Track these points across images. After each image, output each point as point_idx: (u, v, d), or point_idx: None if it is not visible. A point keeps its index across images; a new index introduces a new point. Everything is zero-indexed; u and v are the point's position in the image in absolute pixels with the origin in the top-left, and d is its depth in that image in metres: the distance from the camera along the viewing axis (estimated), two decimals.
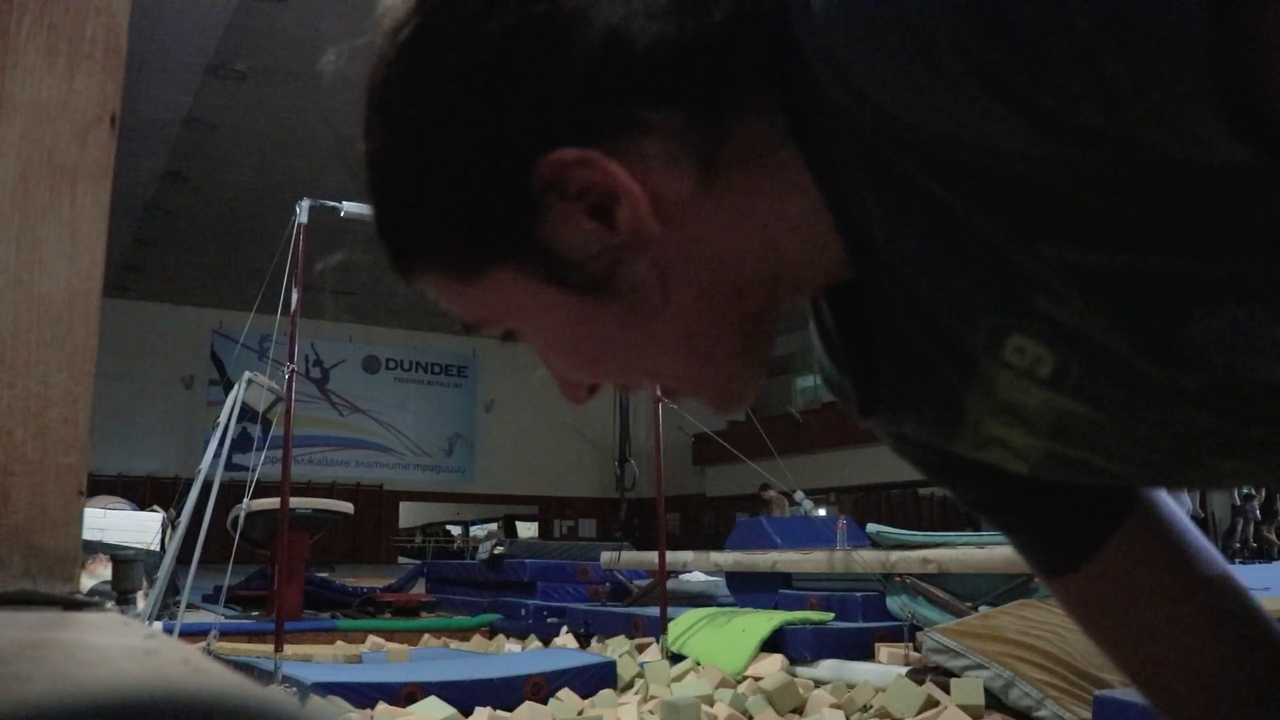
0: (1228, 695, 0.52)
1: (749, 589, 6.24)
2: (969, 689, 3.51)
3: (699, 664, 4.65)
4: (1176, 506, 0.54)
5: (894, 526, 5.59)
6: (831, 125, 0.38)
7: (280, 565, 5.35)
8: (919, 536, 5.47)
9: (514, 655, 5.43)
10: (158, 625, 4.49)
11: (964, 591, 4.86)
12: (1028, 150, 0.33)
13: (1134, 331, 0.36)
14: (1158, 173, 0.32)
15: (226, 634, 5.23)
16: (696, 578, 7.76)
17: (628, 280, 0.42)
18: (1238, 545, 12.58)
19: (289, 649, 4.74)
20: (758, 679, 4.28)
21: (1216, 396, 0.37)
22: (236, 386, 5.00)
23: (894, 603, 5.11)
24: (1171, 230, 0.33)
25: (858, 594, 5.29)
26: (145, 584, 4.36)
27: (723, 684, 4.24)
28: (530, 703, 3.95)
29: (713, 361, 0.45)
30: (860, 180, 0.39)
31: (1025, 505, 0.53)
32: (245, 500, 5.12)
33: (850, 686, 4.11)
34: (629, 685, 4.48)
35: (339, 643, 5.97)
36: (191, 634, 4.69)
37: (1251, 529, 12.60)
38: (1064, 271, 0.35)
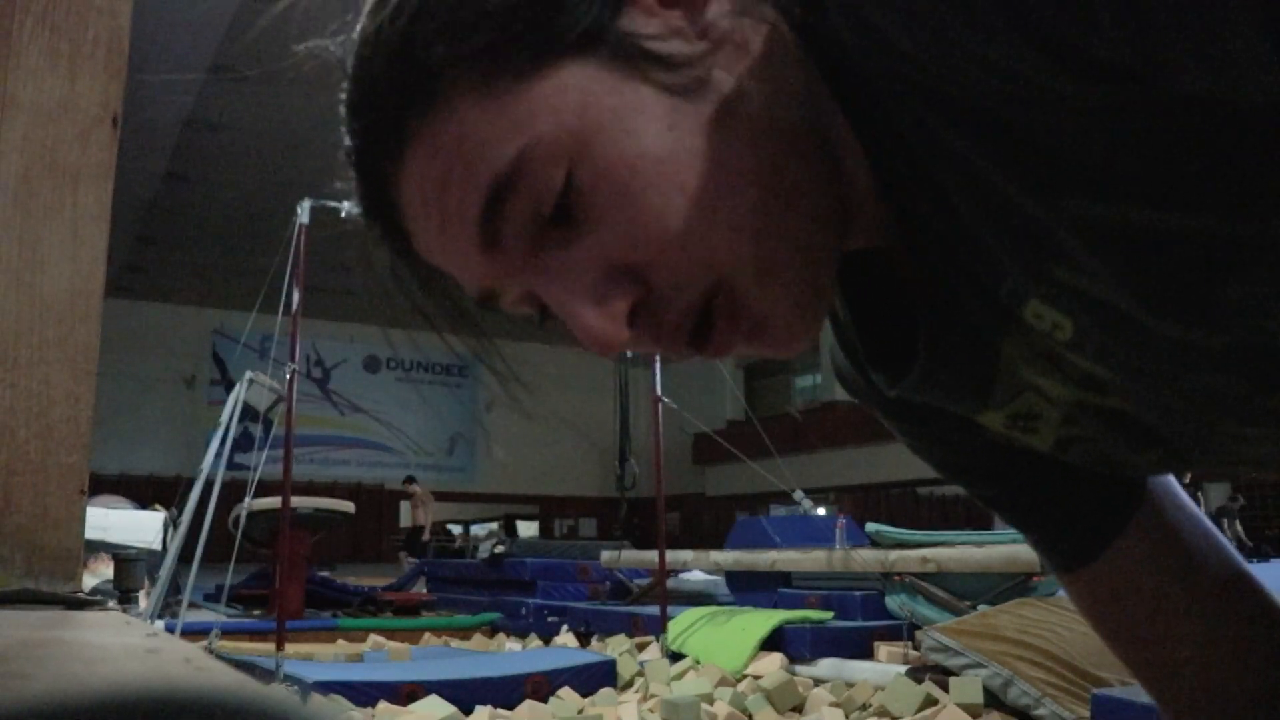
0: (1233, 694, 0.52)
1: (748, 588, 6.24)
2: (968, 688, 3.51)
3: (699, 663, 4.65)
4: (1192, 505, 0.54)
5: (893, 526, 5.59)
6: (850, 68, 0.38)
7: (281, 564, 5.35)
8: (918, 536, 5.47)
9: (514, 654, 5.43)
10: (160, 624, 4.50)
11: (963, 590, 4.86)
12: (1052, 94, 0.32)
13: (1153, 293, 0.35)
14: (1186, 120, 0.31)
15: (228, 633, 5.23)
16: (696, 577, 7.76)
17: (714, 85, 0.38)
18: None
19: (290, 648, 4.74)
20: (757, 677, 4.28)
21: (1238, 359, 0.36)
22: (238, 386, 5.01)
23: (893, 602, 5.11)
24: (1197, 186, 0.32)
25: (857, 593, 5.29)
26: (147, 583, 4.36)
27: (722, 682, 4.24)
28: (531, 701, 3.95)
29: (787, 226, 0.39)
30: (879, 126, 0.38)
31: (1038, 500, 0.53)
32: (246, 500, 5.13)
33: (849, 685, 4.11)
34: (629, 684, 4.48)
35: (340, 641, 5.98)
36: (193, 633, 4.69)
37: (1238, 524, 12.66)
38: (1084, 231, 0.34)
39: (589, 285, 0.39)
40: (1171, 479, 0.54)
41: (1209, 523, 0.54)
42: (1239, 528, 12.91)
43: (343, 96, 0.42)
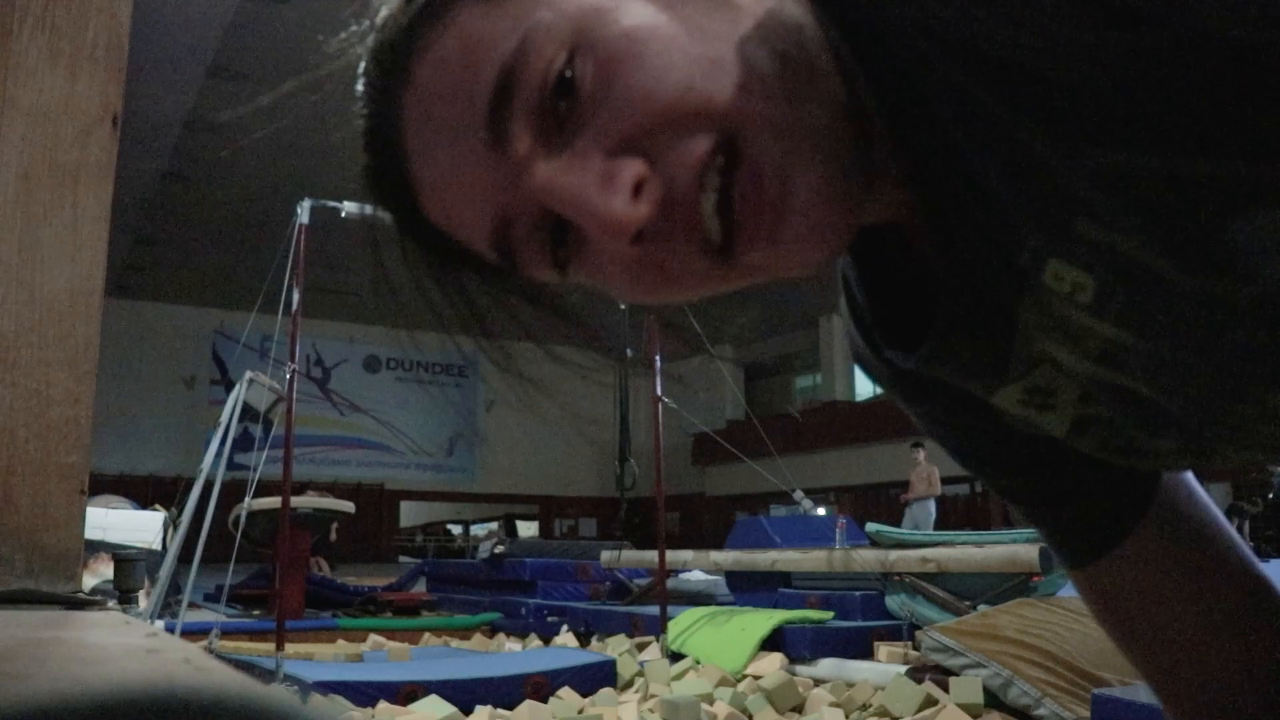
0: (1242, 699, 0.52)
1: (748, 588, 6.24)
2: (968, 688, 3.52)
3: (699, 663, 4.65)
4: (1210, 505, 0.53)
5: (893, 526, 5.60)
6: (864, 19, 0.37)
7: (281, 564, 5.35)
8: (918, 535, 5.47)
9: (514, 654, 5.43)
10: (160, 624, 4.50)
11: (963, 590, 4.86)
12: (1071, 39, 0.32)
13: (1177, 244, 0.34)
14: (1206, 61, 0.31)
15: (228, 633, 5.23)
16: (696, 577, 7.76)
17: None
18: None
19: (290, 648, 4.74)
20: (757, 678, 4.29)
21: (1267, 313, 0.35)
22: (238, 386, 5.01)
23: (893, 602, 5.11)
24: (1218, 129, 0.32)
25: (857, 593, 5.29)
26: (147, 583, 4.36)
27: (722, 683, 4.25)
28: (531, 701, 3.95)
29: (801, 99, 0.37)
30: (897, 80, 0.37)
31: (1052, 492, 0.52)
32: (246, 500, 5.13)
33: (849, 685, 4.11)
34: (629, 684, 4.48)
35: (340, 641, 5.98)
36: (193, 633, 4.69)
37: (1246, 526, 12.65)
38: (1105, 181, 0.34)
39: (595, 171, 0.38)
40: (1190, 477, 0.53)
41: (1226, 523, 0.53)
42: (1246, 528, 12.92)
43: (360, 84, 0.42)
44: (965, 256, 0.40)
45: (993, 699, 3.51)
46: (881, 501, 17.79)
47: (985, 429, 0.50)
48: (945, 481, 11.18)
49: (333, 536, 13.28)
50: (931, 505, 10.66)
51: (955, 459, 0.54)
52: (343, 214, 5.04)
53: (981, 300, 0.41)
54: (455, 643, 6.27)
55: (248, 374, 5.04)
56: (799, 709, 3.93)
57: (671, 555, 6.43)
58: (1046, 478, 0.52)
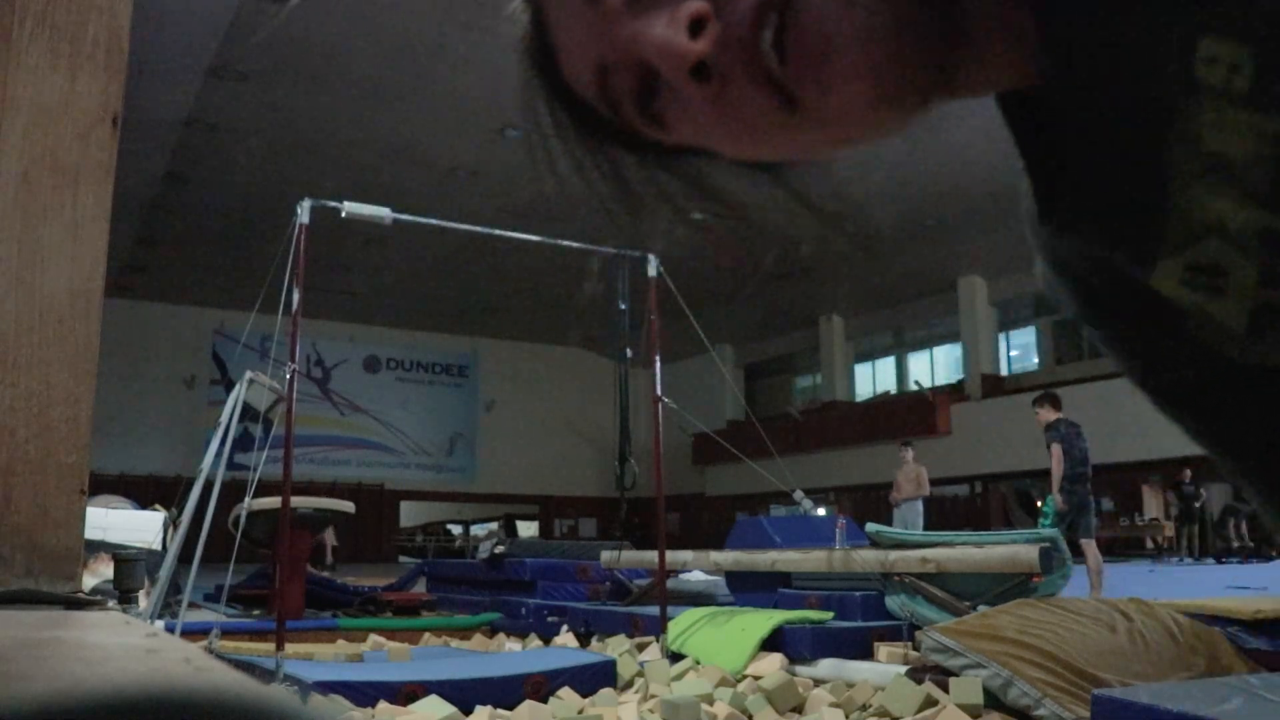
0: None
1: (748, 588, 6.24)
2: (967, 688, 3.52)
3: (699, 663, 4.65)
4: None
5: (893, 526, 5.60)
6: None
7: (281, 564, 5.35)
8: (918, 536, 5.47)
9: (514, 654, 5.44)
10: (160, 624, 4.50)
11: (963, 591, 4.86)
12: None
13: None
14: None
15: (228, 633, 5.24)
16: (696, 577, 7.77)
17: None
18: (1233, 543, 12.76)
19: (290, 648, 4.74)
20: (757, 678, 4.29)
21: None
22: (238, 386, 5.01)
23: (893, 602, 5.11)
24: None
25: (857, 593, 5.30)
26: (147, 583, 4.36)
27: (722, 683, 4.25)
28: (530, 701, 3.96)
29: None
30: None
31: (1272, 440, 0.44)
32: (246, 500, 5.13)
33: (849, 685, 4.11)
34: (629, 684, 4.49)
35: (340, 641, 5.98)
36: (193, 633, 4.70)
37: (1244, 525, 12.67)
38: None
39: (663, 14, 0.41)
40: None
41: None
42: (1244, 528, 12.95)
43: None
44: (1099, 103, 0.38)
45: (993, 699, 3.51)
46: (881, 502, 17.79)
47: (1181, 352, 0.43)
48: (945, 482, 11.12)
49: (329, 559, 13.32)
50: (920, 506, 10.53)
51: (1154, 402, 0.47)
52: (343, 214, 5.04)
53: (1118, 134, 0.39)
54: (455, 643, 6.27)
55: (248, 374, 5.05)
56: (799, 709, 3.93)
57: (671, 555, 6.43)
58: (1264, 420, 0.43)
